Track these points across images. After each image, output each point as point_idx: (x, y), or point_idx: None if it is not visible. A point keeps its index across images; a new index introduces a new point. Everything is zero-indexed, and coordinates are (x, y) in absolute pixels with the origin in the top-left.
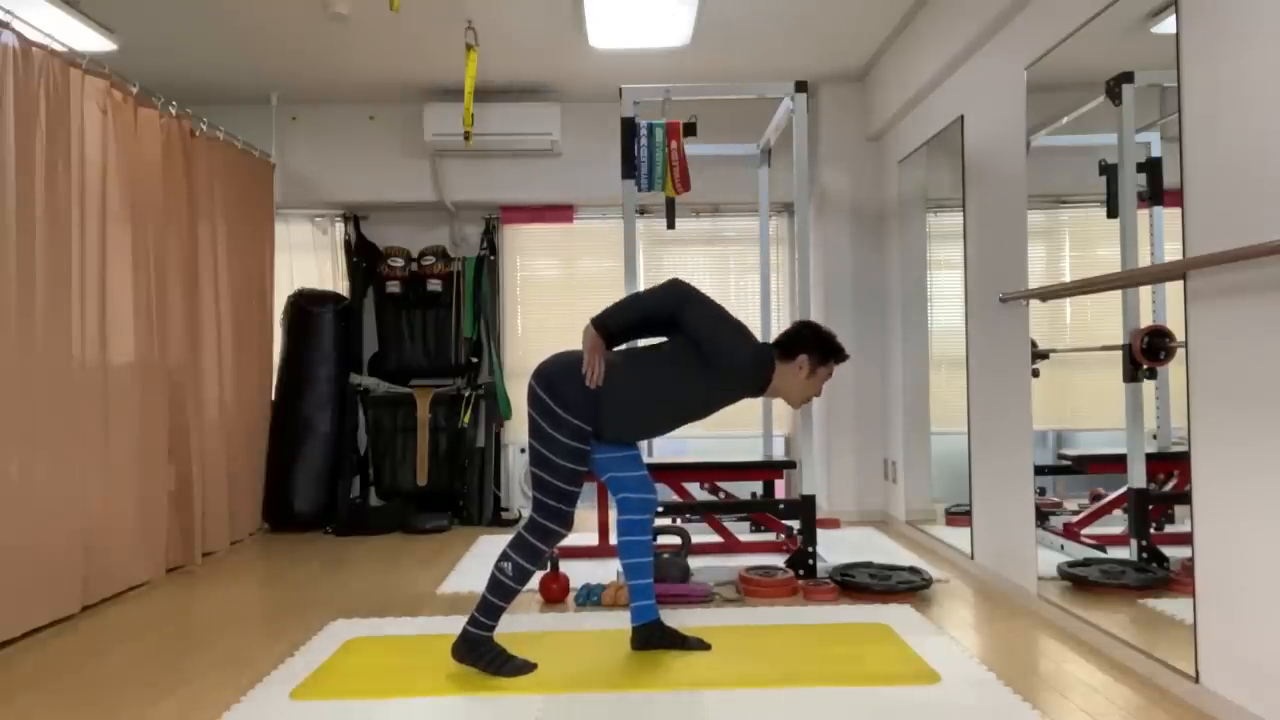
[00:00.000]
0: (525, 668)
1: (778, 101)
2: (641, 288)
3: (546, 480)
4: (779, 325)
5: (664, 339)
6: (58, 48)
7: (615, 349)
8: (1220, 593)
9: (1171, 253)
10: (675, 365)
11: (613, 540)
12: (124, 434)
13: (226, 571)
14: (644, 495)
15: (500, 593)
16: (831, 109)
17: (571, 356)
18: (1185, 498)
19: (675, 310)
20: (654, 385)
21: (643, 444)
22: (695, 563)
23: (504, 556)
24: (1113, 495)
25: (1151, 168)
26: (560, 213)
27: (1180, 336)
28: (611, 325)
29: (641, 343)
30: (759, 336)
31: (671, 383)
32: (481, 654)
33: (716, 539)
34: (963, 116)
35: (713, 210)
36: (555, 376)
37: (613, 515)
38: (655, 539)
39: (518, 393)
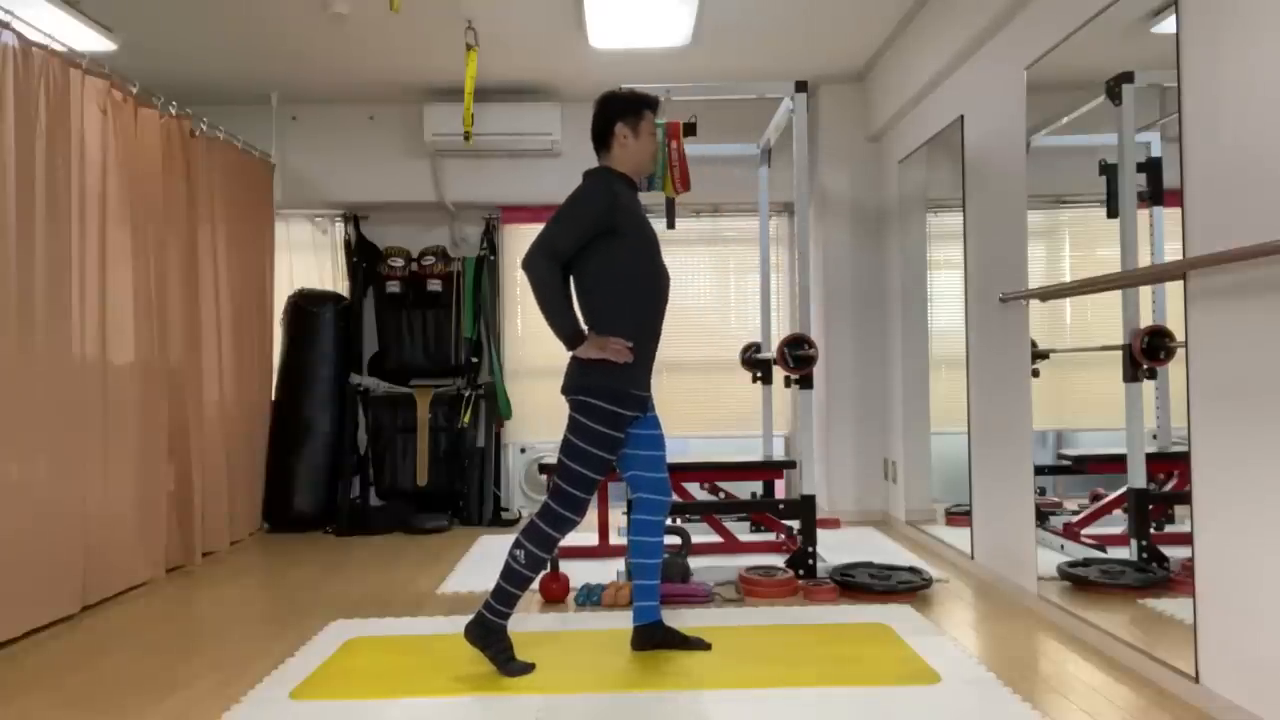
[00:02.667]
0: (525, 669)
1: (778, 101)
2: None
3: (573, 469)
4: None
5: (574, 291)
6: (58, 48)
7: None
8: (1220, 593)
9: (1171, 253)
10: (607, 272)
11: (613, 540)
12: (124, 434)
13: (226, 571)
14: (660, 497)
15: (514, 580)
16: (831, 109)
17: (574, 358)
18: (1185, 498)
19: (555, 258)
20: (622, 300)
21: None
22: (695, 563)
23: (517, 544)
24: (1113, 495)
25: (1151, 168)
26: None
27: (1180, 336)
28: (571, 325)
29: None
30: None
31: (623, 283)
32: (491, 642)
33: (716, 539)
34: (963, 116)
35: (713, 210)
36: (577, 379)
37: (612, 516)
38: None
39: (518, 393)
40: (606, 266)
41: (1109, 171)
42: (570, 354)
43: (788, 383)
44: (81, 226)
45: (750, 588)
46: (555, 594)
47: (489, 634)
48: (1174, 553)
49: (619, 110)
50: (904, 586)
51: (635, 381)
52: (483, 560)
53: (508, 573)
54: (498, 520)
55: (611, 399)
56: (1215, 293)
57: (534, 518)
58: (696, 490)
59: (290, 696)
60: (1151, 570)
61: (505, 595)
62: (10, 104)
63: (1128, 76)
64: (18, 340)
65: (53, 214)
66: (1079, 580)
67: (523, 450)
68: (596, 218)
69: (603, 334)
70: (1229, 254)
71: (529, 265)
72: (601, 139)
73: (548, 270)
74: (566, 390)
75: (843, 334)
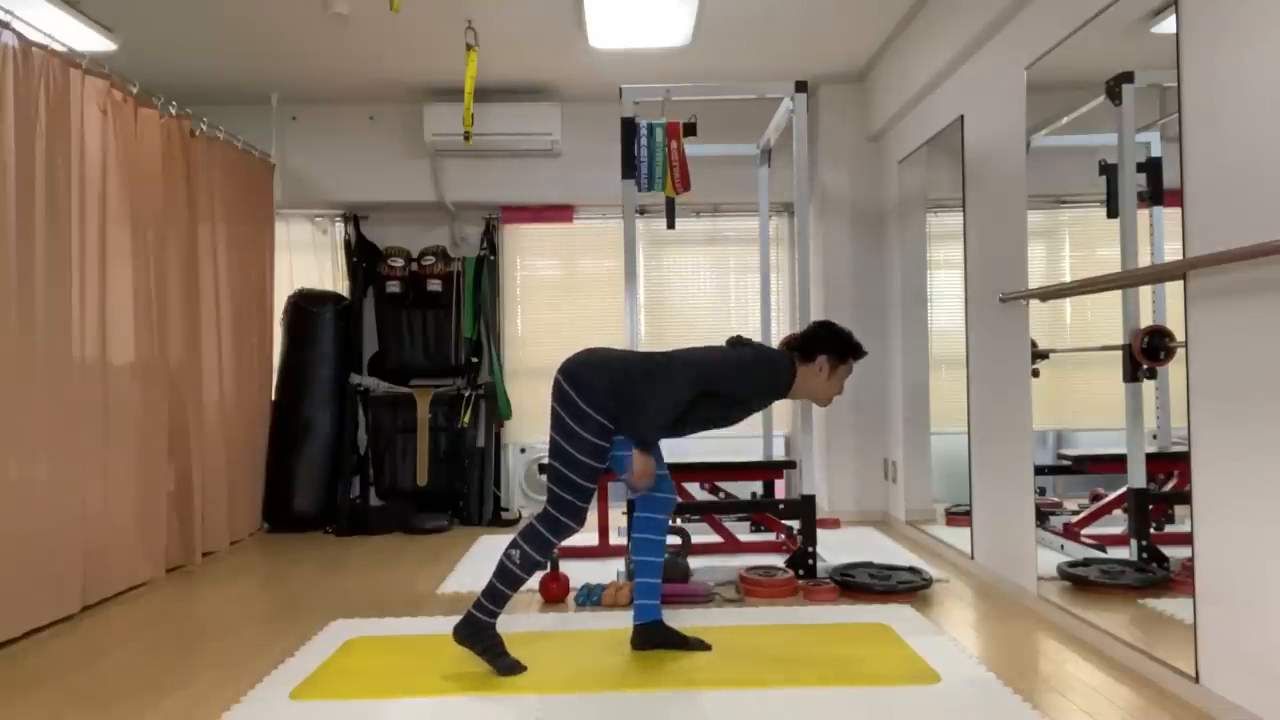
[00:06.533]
0: (517, 668)
1: (778, 101)
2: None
3: (565, 474)
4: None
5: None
6: (58, 48)
7: (643, 351)
8: (1220, 593)
9: (1171, 253)
10: (707, 391)
11: (613, 540)
12: (124, 434)
13: (226, 571)
14: (664, 495)
15: (506, 580)
16: (831, 109)
17: (600, 355)
18: (1185, 498)
19: (709, 391)
20: (687, 406)
21: None
22: (695, 563)
23: (513, 544)
24: (1113, 495)
25: (1151, 168)
26: (560, 213)
27: (1180, 336)
28: (659, 435)
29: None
30: (759, 337)
31: (704, 403)
32: (480, 639)
33: (716, 539)
34: (963, 116)
35: (713, 210)
36: (583, 373)
37: (613, 515)
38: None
39: (518, 393)
40: (710, 397)
41: (1109, 171)
42: (590, 354)
43: None
44: (81, 226)
45: (750, 588)
46: (555, 594)
47: (478, 631)
48: (1174, 553)
49: (832, 345)
50: (904, 586)
51: (615, 415)
52: (483, 560)
53: (501, 572)
54: (498, 520)
55: (589, 401)
56: (1215, 293)
57: (534, 520)
58: (696, 490)
59: (290, 696)
60: (1151, 570)
61: (497, 595)
62: (10, 104)
63: (1128, 76)
64: (18, 340)
65: (53, 214)
66: (1079, 580)
67: (523, 450)
68: (759, 390)
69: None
70: (1229, 254)
71: (676, 386)
72: (807, 352)
73: (685, 391)
74: (564, 372)
75: None
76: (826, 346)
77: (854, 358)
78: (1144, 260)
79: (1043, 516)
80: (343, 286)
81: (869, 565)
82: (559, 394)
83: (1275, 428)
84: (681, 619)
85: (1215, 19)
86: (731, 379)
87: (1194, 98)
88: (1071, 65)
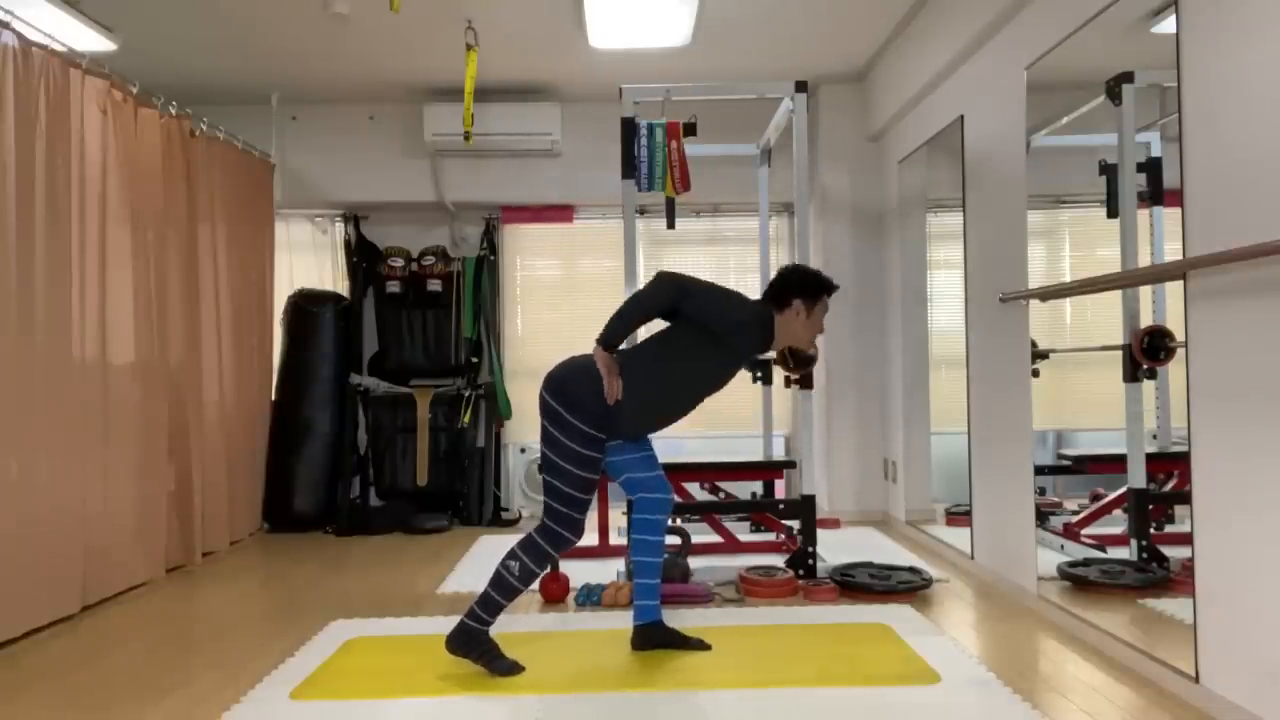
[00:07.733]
0: (515, 669)
1: (778, 101)
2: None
3: (558, 487)
4: None
5: (660, 337)
6: (58, 48)
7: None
8: (1220, 593)
9: (1171, 253)
10: (683, 349)
11: (613, 541)
12: (124, 434)
13: (226, 571)
14: (661, 495)
15: (503, 590)
16: (831, 109)
17: (580, 362)
18: (1185, 498)
19: (675, 305)
20: (668, 374)
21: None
22: (695, 563)
23: (511, 555)
24: (1113, 495)
25: (1151, 168)
26: (560, 213)
27: (1180, 336)
28: (618, 340)
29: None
30: None
31: (684, 367)
32: (474, 646)
33: (716, 539)
34: (963, 116)
35: (713, 210)
36: (566, 383)
37: (613, 516)
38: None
39: (518, 393)
40: (688, 337)
41: (1109, 171)
42: (571, 363)
43: (788, 383)
44: (81, 226)
45: (750, 588)
46: (555, 594)
47: (470, 639)
48: (1174, 553)
49: (802, 287)
50: (904, 586)
51: (603, 423)
52: (483, 560)
53: (497, 582)
54: (498, 520)
55: (574, 411)
56: (1215, 293)
57: (533, 533)
58: (696, 490)
59: (290, 696)
60: (1151, 570)
61: (491, 604)
62: (10, 104)
63: (1128, 76)
64: (18, 340)
65: (53, 214)
66: (1079, 580)
67: (523, 450)
68: (728, 329)
69: (635, 370)
70: (1229, 254)
71: (669, 278)
72: (778, 301)
73: (667, 298)
74: (547, 384)
75: (842, 334)
76: (798, 290)
77: (826, 294)
78: (1144, 260)
79: (1043, 516)
80: (343, 286)
81: (869, 565)
82: (544, 407)
83: (1275, 428)
84: (681, 619)
85: (1215, 19)
86: (710, 302)
87: (1194, 98)
88: (1071, 65)
